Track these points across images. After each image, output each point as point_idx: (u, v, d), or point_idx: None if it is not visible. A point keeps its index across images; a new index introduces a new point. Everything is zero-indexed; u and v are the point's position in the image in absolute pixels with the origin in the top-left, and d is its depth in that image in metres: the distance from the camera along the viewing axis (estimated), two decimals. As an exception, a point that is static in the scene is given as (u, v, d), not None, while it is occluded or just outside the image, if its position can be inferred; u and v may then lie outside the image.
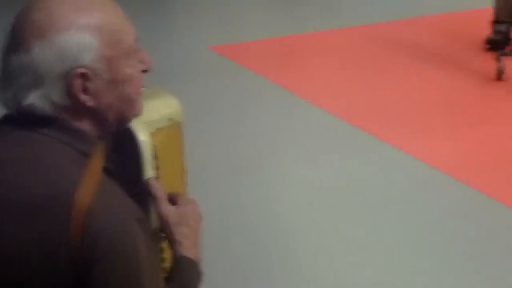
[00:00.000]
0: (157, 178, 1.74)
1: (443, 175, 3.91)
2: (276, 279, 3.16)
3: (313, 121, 4.58)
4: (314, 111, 4.70)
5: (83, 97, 1.52)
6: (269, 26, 6.53)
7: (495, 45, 5.34)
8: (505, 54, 5.11)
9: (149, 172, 1.72)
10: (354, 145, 4.27)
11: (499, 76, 4.98)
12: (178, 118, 1.87)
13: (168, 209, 1.71)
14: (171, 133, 1.86)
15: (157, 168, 1.74)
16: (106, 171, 1.54)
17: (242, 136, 4.44)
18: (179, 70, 5.43)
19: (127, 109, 1.58)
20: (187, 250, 1.69)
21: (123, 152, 1.71)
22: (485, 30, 5.68)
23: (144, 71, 1.61)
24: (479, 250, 3.34)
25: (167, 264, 1.77)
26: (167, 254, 1.78)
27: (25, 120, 1.52)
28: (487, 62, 5.13)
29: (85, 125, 1.55)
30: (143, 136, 1.72)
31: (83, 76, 1.50)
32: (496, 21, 5.64)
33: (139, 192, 1.70)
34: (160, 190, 1.72)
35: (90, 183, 1.48)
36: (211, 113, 4.54)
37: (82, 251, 1.43)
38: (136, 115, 1.63)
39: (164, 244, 1.78)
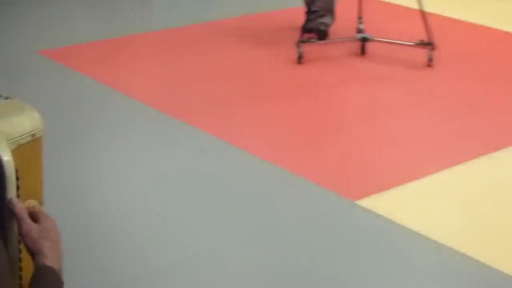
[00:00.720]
0: (18, 196, 1.81)
1: (255, 157, 4.30)
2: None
3: (137, 115, 4.92)
4: (138, 106, 5.03)
5: None
6: (98, 28, 6.71)
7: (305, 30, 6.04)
8: (303, 42, 5.80)
9: (11, 192, 1.79)
10: (173, 134, 4.67)
11: (299, 60, 5.75)
12: (41, 133, 1.95)
13: (31, 226, 1.80)
14: (33, 148, 1.92)
15: (18, 187, 1.81)
16: None
17: (73, 134, 4.61)
18: (10, 77, 5.43)
19: None
20: (52, 262, 1.78)
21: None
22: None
23: None
24: (284, 223, 3.72)
25: (25, 273, 1.85)
26: (24, 263, 1.85)
27: None
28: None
29: None
30: (7, 156, 1.76)
31: None
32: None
33: (1, 210, 1.77)
34: (22, 209, 1.80)
35: None
36: (43, 115, 4.55)
37: None
38: None
39: (23, 254, 1.85)
